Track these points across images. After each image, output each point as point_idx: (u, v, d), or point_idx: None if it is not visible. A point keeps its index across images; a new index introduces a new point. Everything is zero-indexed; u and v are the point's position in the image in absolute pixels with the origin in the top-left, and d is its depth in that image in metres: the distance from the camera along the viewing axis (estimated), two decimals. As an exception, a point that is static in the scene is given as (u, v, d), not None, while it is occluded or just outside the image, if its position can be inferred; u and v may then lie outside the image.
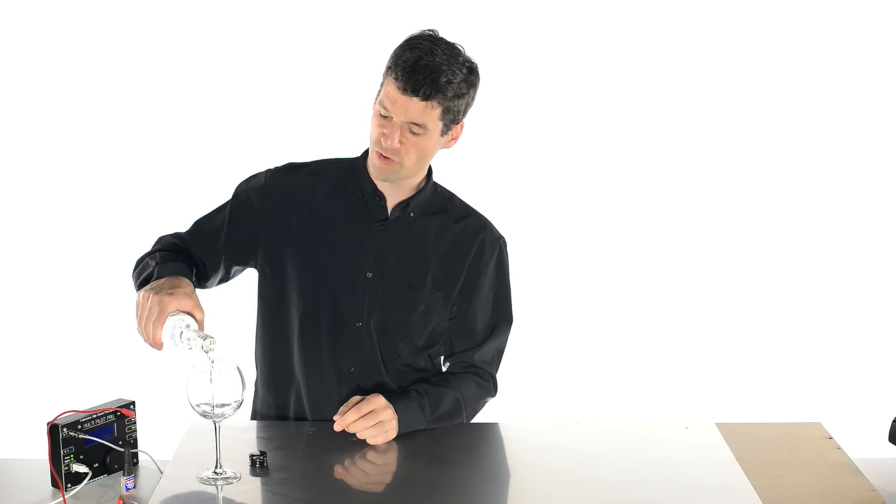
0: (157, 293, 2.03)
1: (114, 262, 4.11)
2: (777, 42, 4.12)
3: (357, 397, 2.22)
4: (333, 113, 3.91)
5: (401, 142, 2.14)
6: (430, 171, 2.32)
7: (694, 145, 4.21)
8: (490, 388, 2.41)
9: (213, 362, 1.94)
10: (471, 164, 3.91)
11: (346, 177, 2.31)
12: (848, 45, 4.11)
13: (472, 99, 2.20)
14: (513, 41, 4.09)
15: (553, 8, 4.11)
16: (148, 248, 2.31)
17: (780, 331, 4.19)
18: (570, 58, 4.14)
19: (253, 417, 2.42)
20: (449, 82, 2.11)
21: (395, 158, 2.16)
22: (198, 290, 2.16)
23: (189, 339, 1.98)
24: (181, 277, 2.11)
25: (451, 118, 2.17)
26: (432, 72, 2.09)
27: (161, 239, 2.34)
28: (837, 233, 4.21)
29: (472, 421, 2.42)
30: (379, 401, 2.18)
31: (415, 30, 2.18)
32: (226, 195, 2.37)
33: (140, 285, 2.15)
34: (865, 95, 4.14)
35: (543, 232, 4.17)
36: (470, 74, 2.16)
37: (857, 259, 4.21)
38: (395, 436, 2.18)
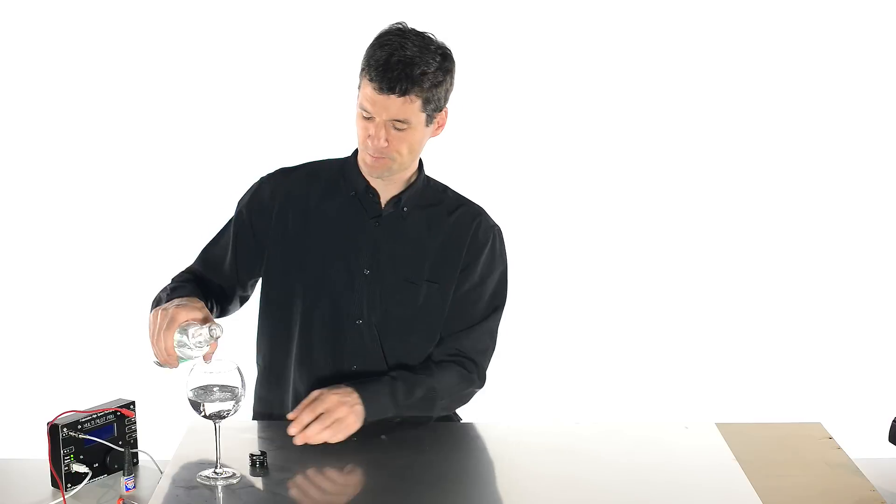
0: (165, 309, 2.05)
1: (114, 263, 4.13)
2: (777, 42, 4.12)
3: (314, 393, 2.16)
4: (332, 113, 3.90)
5: (387, 140, 2.16)
6: (420, 164, 2.33)
7: (693, 144, 4.21)
8: (474, 379, 2.35)
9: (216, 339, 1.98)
10: (469, 163, 3.92)
11: (339, 176, 2.33)
12: (848, 45, 4.11)
13: (451, 84, 2.21)
14: (511, 38, 4.10)
15: (549, 3, 4.11)
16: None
17: (780, 331, 4.19)
18: (567, 54, 4.14)
19: (254, 418, 2.42)
20: (424, 73, 2.12)
21: (385, 156, 2.18)
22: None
23: (195, 334, 1.99)
24: (192, 297, 2.12)
25: (434, 107, 2.17)
26: (405, 66, 2.10)
27: (174, 278, 2.36)
28: (837, 233, 4.20)
29: (468, 421, 2.43)
30: (331, 399, 2.14)
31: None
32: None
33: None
34: (865, 95, 4.14)
35: (543, 231, 4.17)
36: (444, 61, 2.16)
37: (857, 259, 4.21)
38: (357, 427, 2.13)
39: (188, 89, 4.09)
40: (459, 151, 3.98)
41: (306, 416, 2.11)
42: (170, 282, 2.33)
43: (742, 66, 4.14)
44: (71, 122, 4.11)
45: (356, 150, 2.30)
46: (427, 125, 2.20)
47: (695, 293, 4.22)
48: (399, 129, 2.15)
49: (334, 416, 2.12)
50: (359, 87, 2.18)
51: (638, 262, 4.22)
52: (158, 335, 2.03)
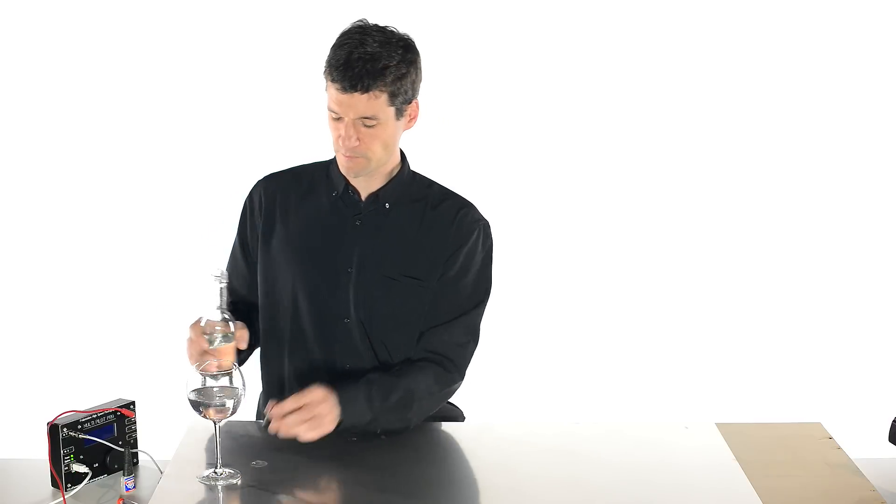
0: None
1: (114, 264, 4.13)
2: (777, 42, 4.12)
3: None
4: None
5: (359, 138, 2.16)
6: (404, 157, 2.33)
7: (693, 143, 4.20)
8: (454, 378, 2.30)
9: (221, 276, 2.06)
10: (467, 161, 3.92)
11: (321, 178, 2.34)
12: (848, 45, 4.11)
13: (418, 75, 2.20)
14: (511, 38, 4.09)
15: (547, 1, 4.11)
16: None
17: (780, 331, 4.18)
18: (567, 54, 4.13)
19: (257, 418, 2.42)
20: (386, 67, 2.11)
21: (359, 155, 2.18)
22: None
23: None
24: None
25: (402, 100, 2.17)
26: (366, 62, 2.10)
27: None
28: (837, 233, 4.20)
29: (468, 421, 2.43)
30: (316, 393, 2.11)
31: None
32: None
33: None
34: (865, 95, 4.14)
35: (543, 231, 4.16)
36: (407, 52, 2.16)
37: (857, 259, 4.21)
38: (331, 429, 2.10)
39: (188, 91, 4.09)
40: (461, 151, 3.99)
41: (289, 404, 2.08)
42: None
43: (742, 66, 4.14)
44: (71, 123, 4.10)
45: None
46: (398, 119, 2.19)
47: (694, 293, 4.22)
48: (369, 127, 2.15)
49: (315, 410, 2.08)
50: (326, 90, 2.18)
51: (638, 262, 4.22)
52: (189, 342, 2.08)
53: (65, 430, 2.02)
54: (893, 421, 2.17)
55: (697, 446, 2.20)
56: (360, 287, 2.28)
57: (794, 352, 4.16)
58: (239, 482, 1.97)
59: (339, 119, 2.16)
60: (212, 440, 1.98)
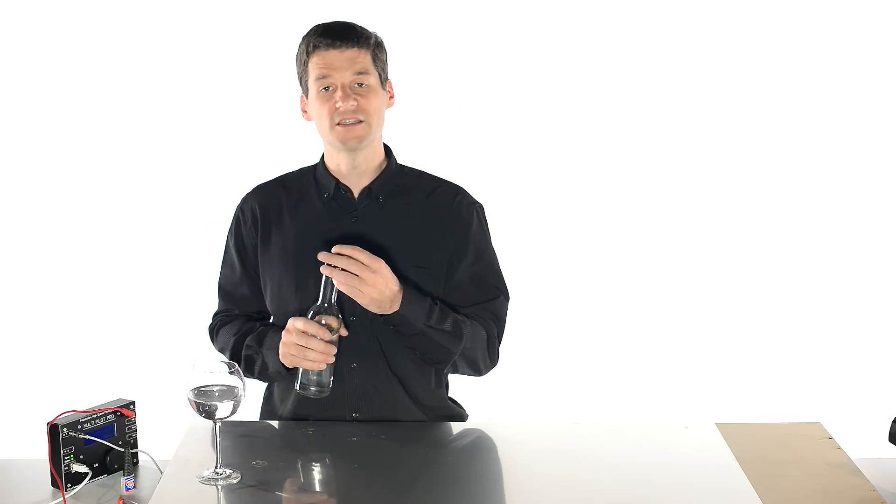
0: (288, 331, 2.15)
1: (114, 264, 4.13)
2: (777, 42, 4.12)
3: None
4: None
5: (355, 98, 2.21)
6: (389, 151, 2.35)
7: (694, 144, 4.20)
8: (494, 342, 2.36)
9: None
10: (466, 160, 3.92)
11: (309, 183, 2.36)
12: (848, 45, 4.11)
13: (387, 58, 2.30)
14: (513, 38, 4.10)
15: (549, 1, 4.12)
16: (220, 341, 2.42)
17: (780, 331, 4.19)
18: (569, 54, 4.14)
19: (261, 417, 2.43)
20: (363, 31, 2.24)
21: (359, 116, 2.21)
22: None
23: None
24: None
25: (381, 68, 2.26)
26: (346, 25, 2.23)
27: (220, 332, 2.42)
28: (837, 233, 4.20)
29: (468, 420, 2.43)
30: (380, 265, 2.14)
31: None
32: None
33: (261, 369, 2.28)
34: (865, 95, 4.14)
35: (544, 231, 4.17)
36: (374, 34, 2.28)
37: (857, 259, 4.21)
38: (364, 303, 2.15)
39: (188, 92, 4.09)
40: (459, 150, 3.99)
41: (349, 250, 2.11)
42: (229, 336, 2.37)
43: (742, 66, 4.14)
44: (71, 124, 4.11)
45: (323, 155, 2.35)
46: (382, 88, 2.26)
47: (695, 294, 4.22)
48: (361, 85, 2.21)
49: (365, 274, 2.11)
50: (306, 84, 2.25)
51: (638, 263, 4.22)
52: (309, 338, 2.10)
53: (65, 430, 2.03)
54: (893, 421, 2.17)
55: (697, 446, 2.20)
56: None
57: (794, 352, 4.16)
58: (239, 482, 1.97)
59: (329, 88, 2.21)
60: (212, 440, 1.98)
